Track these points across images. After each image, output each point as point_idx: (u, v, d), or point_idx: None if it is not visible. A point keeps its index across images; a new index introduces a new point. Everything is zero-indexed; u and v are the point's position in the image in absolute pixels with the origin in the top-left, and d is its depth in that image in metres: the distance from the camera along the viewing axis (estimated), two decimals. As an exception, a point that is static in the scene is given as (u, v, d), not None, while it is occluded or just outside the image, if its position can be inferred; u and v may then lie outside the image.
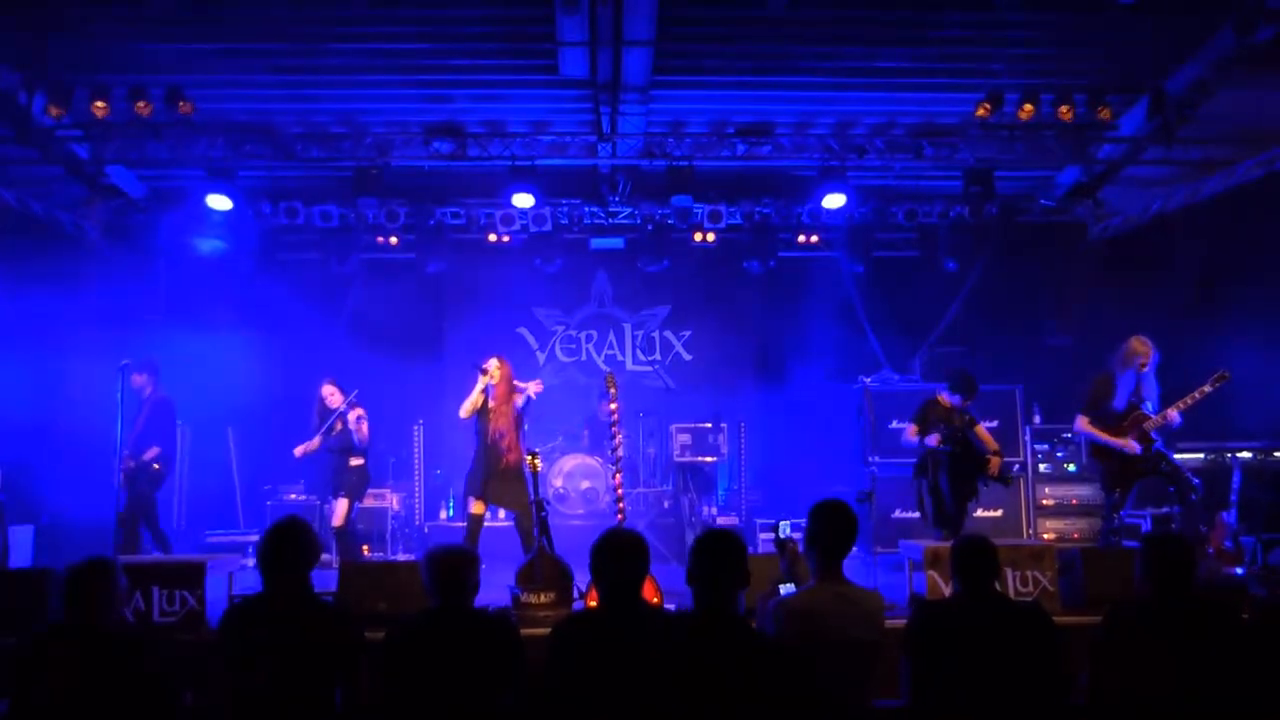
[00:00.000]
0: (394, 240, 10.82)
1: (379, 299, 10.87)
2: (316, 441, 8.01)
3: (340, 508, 7.89)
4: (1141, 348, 7.00)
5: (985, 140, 9.08)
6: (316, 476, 9.04)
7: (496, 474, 7.26)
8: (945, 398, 7.43)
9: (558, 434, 10.94)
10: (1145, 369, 7.00)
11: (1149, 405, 7.02)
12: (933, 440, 7.20)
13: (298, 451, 8.05)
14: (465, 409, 7.31)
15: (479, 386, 7.30)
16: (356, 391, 8.15)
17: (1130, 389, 7.03)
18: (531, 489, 6.71)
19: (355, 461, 8.01)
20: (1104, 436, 7.02)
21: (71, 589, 3.73)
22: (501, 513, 10.39)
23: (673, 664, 3.34)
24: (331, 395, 8.04)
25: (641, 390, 11.86)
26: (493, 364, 7.41)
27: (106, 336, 7.81)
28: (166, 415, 7.95)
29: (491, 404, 7.35)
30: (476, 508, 7.35)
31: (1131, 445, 6.94)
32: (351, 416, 7.89)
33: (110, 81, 8.06)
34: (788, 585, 4.48)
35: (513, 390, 7.26)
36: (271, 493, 10.16)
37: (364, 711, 3.68)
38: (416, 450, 10.63)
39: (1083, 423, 7.14)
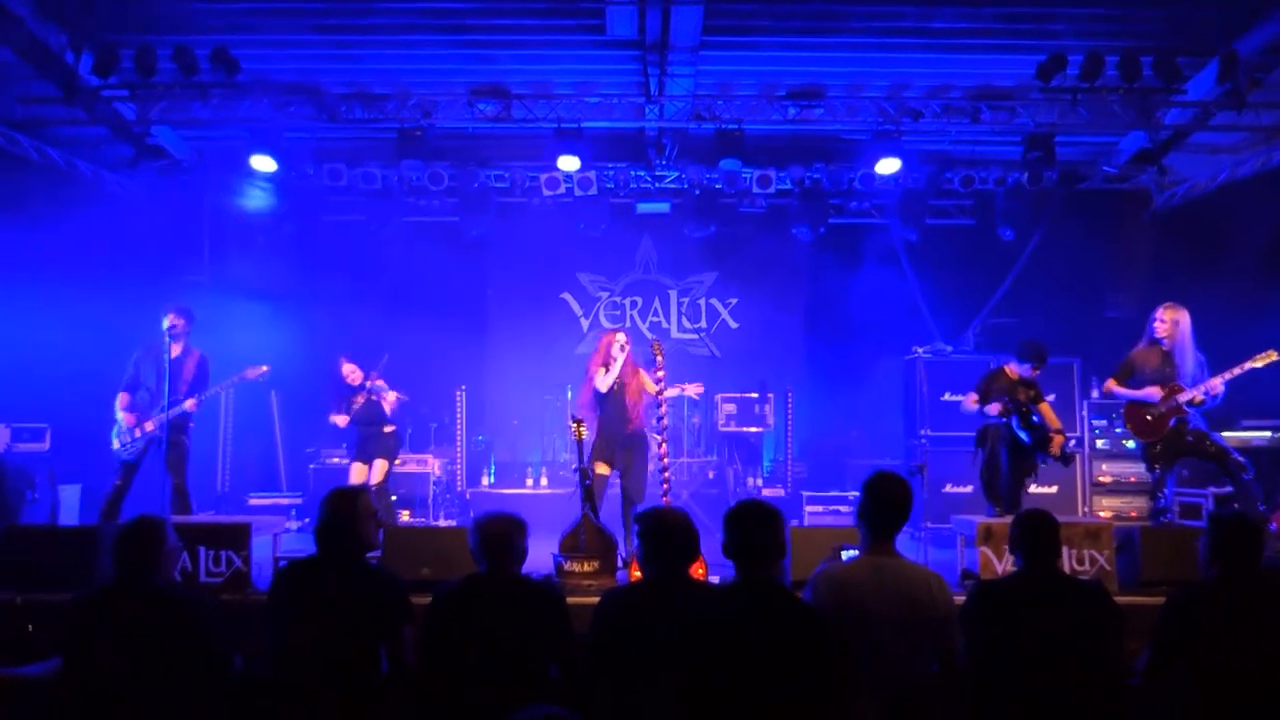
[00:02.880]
0: (436, 203, 10.90)
1: (421, 262, 10.95)
2: (344, 419, 8.30)
3: (380, 467, 8.21)
4: (1167, 314, 6.90)
5: (1046, 104, 8.88)
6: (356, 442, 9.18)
7: (623, 439, 7.46)
8: (1013, 368, 7.34)
9: None
10: (1174, 340, 6.88)
11: (1186, 380, 6.86)
12: (994, 410, 7.11)
13: (335, 420, 8.32)
14: (608, 382, 7.50)
15: (619, 361, 7.50)
16: (386, 357, 8.35)
17: (1156, 362, 6.95)
18: (577, 457, 6.85)
19: (388, 429, 8.32)
20: (1128, 391, 7.00)
21: (122, 549, 3.81)
22: (544, 480, 10.60)
23: (717, 638, 3.37)
24: (351, 373, 8.29)
25: (687, 358, 11.88)
26: (621, 338, 7.65)
27: (153, 297, 7.89)
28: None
29: (622, 374, 7.60)
30: (603, 469, 7.53)
31: (1151, 392, 6.86)
32: (390, 397, 8.20)
33: (156, 41, 8.09)
34: (851, 551, 4.47)
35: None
36: (314, 456, 10.33)
37: (411, 675, 3.75)
38: (459, 416, 10.79)
39: (1109, 384, 7.13)
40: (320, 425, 10.43)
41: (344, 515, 3.85)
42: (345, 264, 10.72)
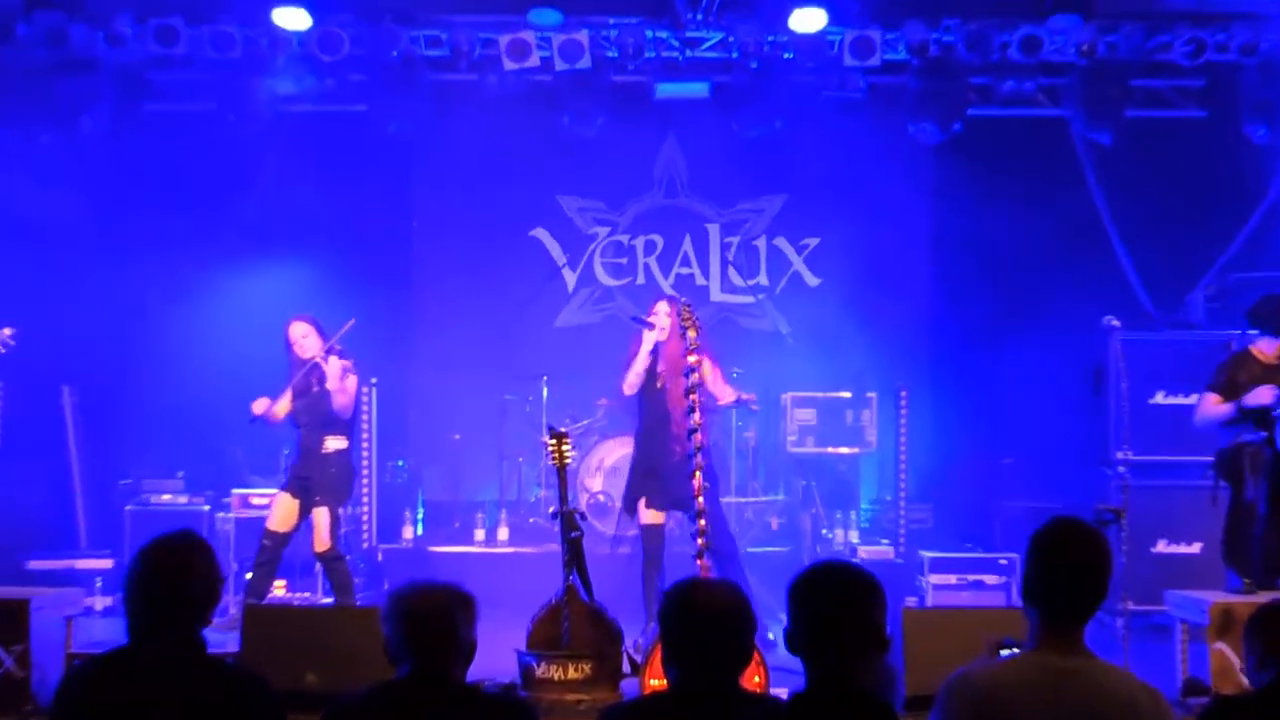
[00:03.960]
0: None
1: (306, 178, 10.92)
2: (283, 405, 8.30)
3: (322, 521, 8.23)
4: None
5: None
6: (208, 464, 9.13)
7: (670, 466, 7.62)
8: (1263, 348, 7.33)
9: (595, 405, 11.06)
10: None
11: None
12: (1264, 395, 7.03)
13: (258, 409, 8.26)
14: (631, 381, 7.80)
15: (646, 345, 7.72)
16: (351, 324, 8.37)
17: None
18: (559, 494, 6.88)
19: (334, 443, 8.34)
20: None
21: None
22: (504, 531, 10.52)
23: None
24: (305, 338, 8.27)
25: (737, 335, 11.95)
26: (662, 310, 7.83)
27: None
28: None
29: (661, 368, 7.80)
30: (652, 514, 7.76)
31: None
32: (333, 370, 8.12)
33: None
34: (1014, 650, 4.45)
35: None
36: (133, 491, 10.28)
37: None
38: (365, 426, 10.59)
39: None
40: (142, 441, 10.44)
41: (171, 580, 3.80)
42: (182, 181, 10.71)
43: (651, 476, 7.76)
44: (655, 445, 7.77)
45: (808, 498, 10.54)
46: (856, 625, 3.50)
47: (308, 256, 10.76)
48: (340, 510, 8.47)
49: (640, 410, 7.88)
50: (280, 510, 8.31)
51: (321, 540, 8.26)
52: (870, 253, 11.88)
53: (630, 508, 7.95)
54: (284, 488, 8.40)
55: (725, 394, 8.06)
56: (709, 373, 7.69)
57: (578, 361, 11.09)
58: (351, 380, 8.30)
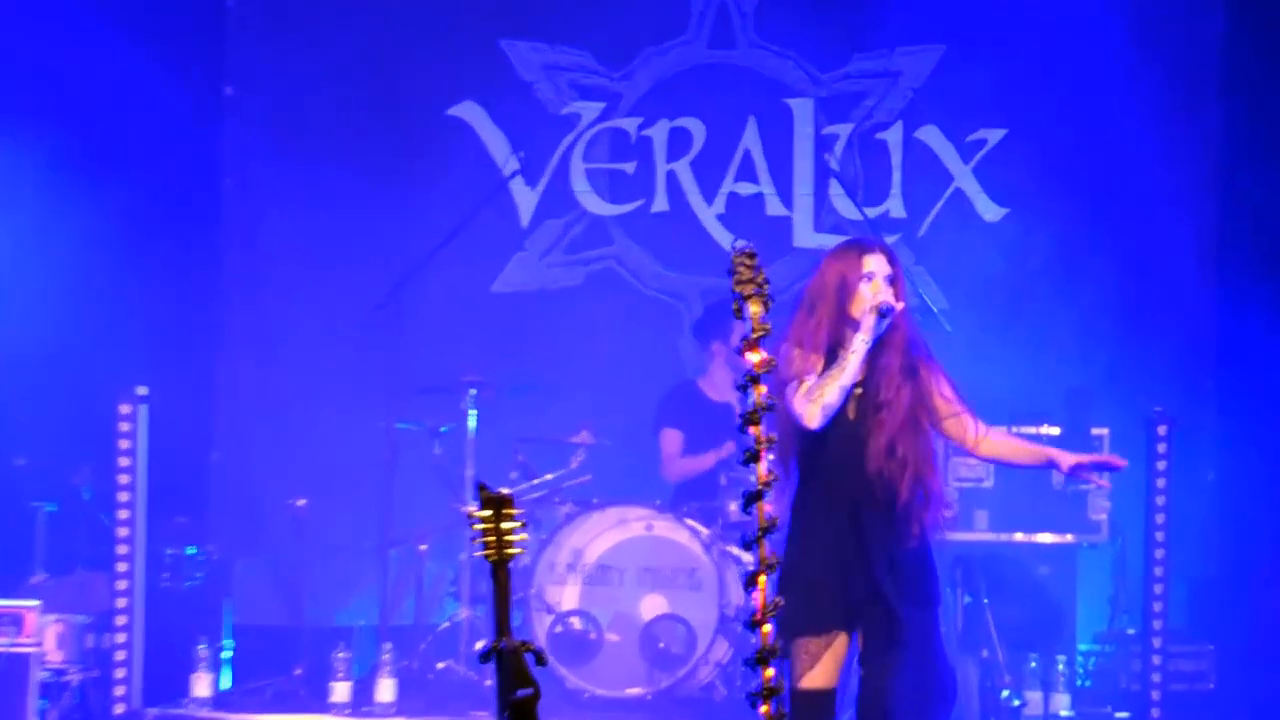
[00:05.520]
0: None
1: (39, 12, 11.44)
2: None
3: None
4: None
5: None
6: None
7: (884, 567, 7.24)
8: None
9: (569, 444, 11.45)
10: None
11: None
12: None
13: None
14: (817, 409, 7.34)
15: (864, 337, 7.31)
16: None
17: None
18: (494, 617, 6.54)
19: None
20: None
21: None
22: (386, 686, 10.33)
23: None
24: None
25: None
26: (880, 269, 7.44)
27: None
28: None
29: (865, 376, 7.47)
30: (817, 655, 7.27)
31: None
32: None
33: None
34: None
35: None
36: None
37: None
38: (126, 479, 10.62)
39: None
40: None
41: None
42: None
43: (834, 584, 7.21)
44: (844, 523, 7.30)
45: (975, 627, 10.25)
46: None
47: (32, 147, 11.08)
48: None
49: (807, 458, 7.41)
50: None
51: None
52: (1100, 160, 12.01)
53: (789, 639, 7.07)
54: None
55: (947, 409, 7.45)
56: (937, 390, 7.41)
57: (536, 359, 11.04)
58: None
